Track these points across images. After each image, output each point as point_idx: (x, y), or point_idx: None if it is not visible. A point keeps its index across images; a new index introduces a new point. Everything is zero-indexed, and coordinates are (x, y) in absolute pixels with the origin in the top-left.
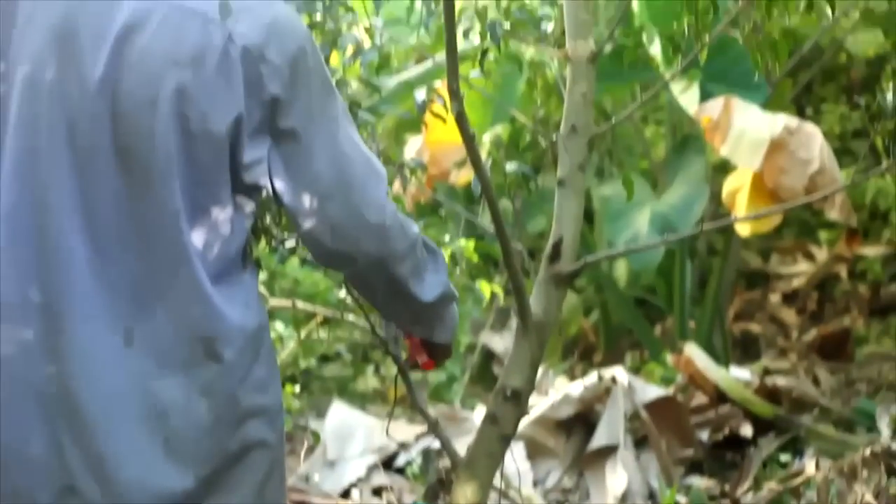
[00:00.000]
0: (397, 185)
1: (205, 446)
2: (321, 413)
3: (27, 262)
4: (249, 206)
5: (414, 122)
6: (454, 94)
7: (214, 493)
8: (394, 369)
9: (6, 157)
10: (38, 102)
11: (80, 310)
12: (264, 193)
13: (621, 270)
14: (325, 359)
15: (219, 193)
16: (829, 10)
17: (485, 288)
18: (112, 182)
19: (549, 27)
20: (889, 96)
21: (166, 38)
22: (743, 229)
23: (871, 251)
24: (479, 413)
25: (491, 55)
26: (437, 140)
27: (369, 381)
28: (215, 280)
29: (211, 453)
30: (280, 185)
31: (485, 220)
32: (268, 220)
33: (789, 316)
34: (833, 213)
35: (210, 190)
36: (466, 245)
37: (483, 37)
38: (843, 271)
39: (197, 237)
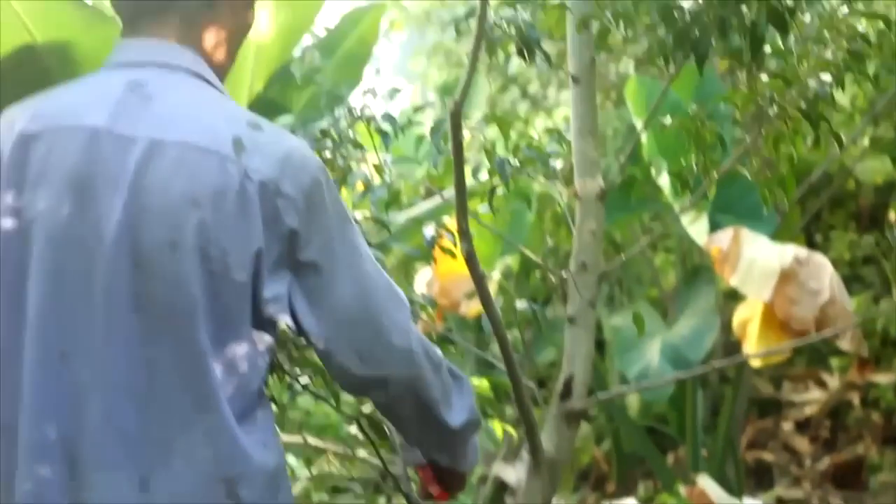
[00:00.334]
0: None
1: None
2: None
3: (48, 407)
4: (266, 343)
5: (423, 255)
6: (464, 234)
7: None
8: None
9: (30, 302)
10: (57, 248)
11: (96, 456)
12: (282, 327)
13: (632, 399)
14: (336, 490)
15: (241, 331)
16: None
17: (497, 427)
18: (131, 327)
19: (557, 164)
20: None
21: (183, 179)
22: (755, 360)
23: (884, 378)
24: None
25: (499, 191)
26: (447, 271)
27: None
28: (235, 419)
29: None
30: (304, 317)
31: (495, 350)
32: (279, 356)
33: (802, 444)
34: (844, 344)
35: (233, 329)
36: (479, 384)
37: (492, 174)
38: (855, 399)
39: (219, 376)
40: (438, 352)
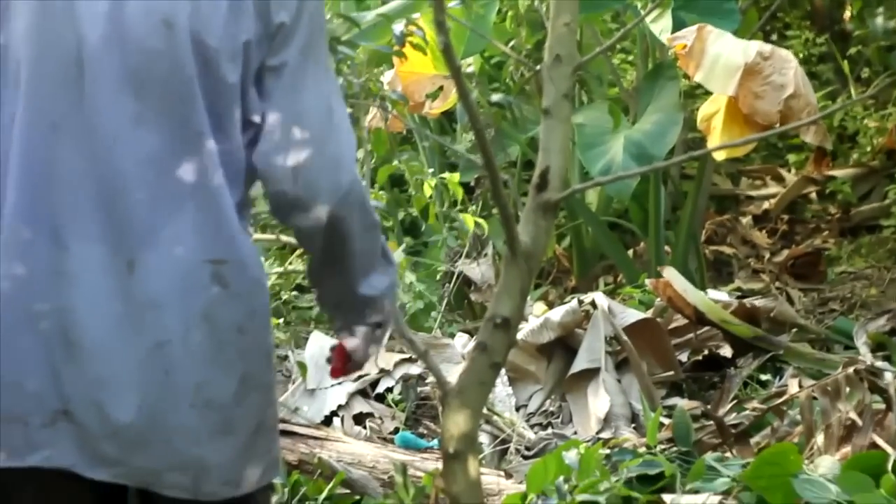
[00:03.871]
0: (377, 117)
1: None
2: (299, 343)
3: (34, 188)
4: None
5: (385, 56)
6: (441, 26)
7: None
8: None
9: (22, 70)
10: (48, 21)
11: (83, 237)
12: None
13: (593, 195)
14: (300, 289)
15: (232, 132)
16: None
17: (468, 220)
18: (122, 106)
19: None
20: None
21: None
22: (718, 154)
23: (840, 172)
24: (459, 340)
25: None
26: (409, 71)
27: None
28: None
29: (211, 386)
30: (268, 115)
31: (458, 148)
32: None
33: (761, 238)
34: (808, 137)
35: (224, 125)
36: (451, 178)
37: None
38: (812, 193)
39: (216, 157)
40: (377, 218)
